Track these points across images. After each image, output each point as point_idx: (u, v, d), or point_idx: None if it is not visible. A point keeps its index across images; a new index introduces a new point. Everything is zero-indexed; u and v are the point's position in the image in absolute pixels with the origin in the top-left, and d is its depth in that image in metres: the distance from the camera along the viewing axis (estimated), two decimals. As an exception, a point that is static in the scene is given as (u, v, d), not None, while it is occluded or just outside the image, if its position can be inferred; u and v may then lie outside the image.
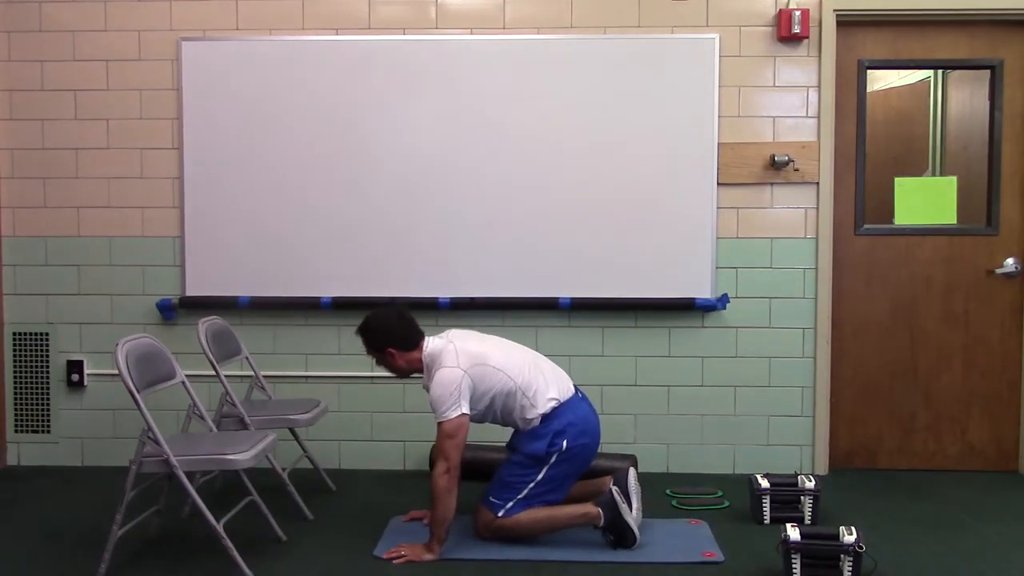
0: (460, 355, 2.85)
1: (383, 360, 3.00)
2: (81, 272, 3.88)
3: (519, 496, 2.89)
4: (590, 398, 3.10)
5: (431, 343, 2.95)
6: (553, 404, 2.92)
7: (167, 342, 3.11)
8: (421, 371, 2.97)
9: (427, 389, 2.89)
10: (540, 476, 2.90)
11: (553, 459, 2.89)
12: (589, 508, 2.87)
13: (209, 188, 3.80)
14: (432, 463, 3.62)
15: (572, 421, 2.92)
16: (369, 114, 3.75)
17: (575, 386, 3.06)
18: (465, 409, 2.80)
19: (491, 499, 2.92)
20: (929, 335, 3.85)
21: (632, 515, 2.87)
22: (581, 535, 2.92)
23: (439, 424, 2.79)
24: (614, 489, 2.87)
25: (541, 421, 2.91)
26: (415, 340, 2.96)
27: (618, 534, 2.85)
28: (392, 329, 2.95)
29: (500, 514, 2.88)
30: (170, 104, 3.82)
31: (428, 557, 2.79)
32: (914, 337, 3.85)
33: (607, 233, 3.73)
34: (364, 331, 2.99)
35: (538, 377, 2.93)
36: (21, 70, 3.84)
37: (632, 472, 2.97)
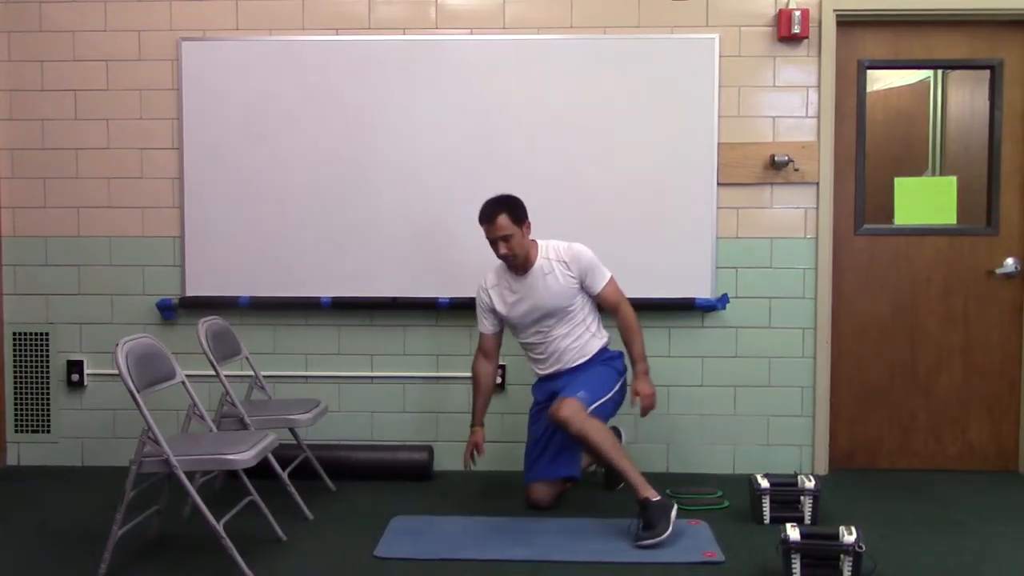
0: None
1: (515, 239, 3.18)
2: (81, 272, 3.88)
3: (603, 398, 3.16)
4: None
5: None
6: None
7: (167, 342, 3.11)
8: (528, 259, 3.24)
9: (565, 264, 3.24)
10: (615, 389, 3.24)
11: (621, 381, 3.27)
12: (651, 489, 2.96)
13: (209, 188, 3.80)
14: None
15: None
16: (369, 114, 3.75)
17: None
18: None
19: (582, 393, 3.10)
20: (929, 335, 3.84)
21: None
22: (582, 534, 2.91)
23: (609, 282, 3.27)
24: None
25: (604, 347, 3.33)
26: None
27: (649, 523, 2.87)
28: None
29: (590, 409, 3.08)
30: (170, 104, 3.82)
31: (651, 389, 3.24)
32: (914, 337, 3.85)
33: (607, 233, 3.72)
34: (508, 202, 3.19)
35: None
36: (21, 70, 3.84)
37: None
